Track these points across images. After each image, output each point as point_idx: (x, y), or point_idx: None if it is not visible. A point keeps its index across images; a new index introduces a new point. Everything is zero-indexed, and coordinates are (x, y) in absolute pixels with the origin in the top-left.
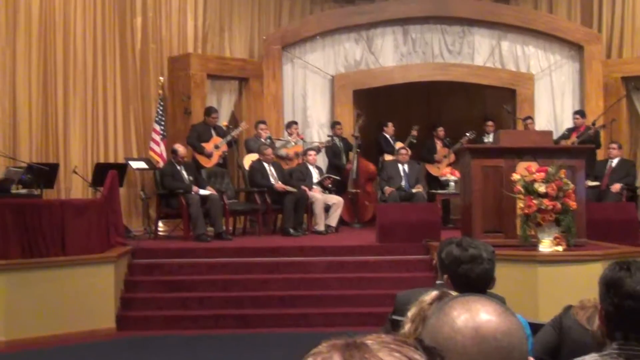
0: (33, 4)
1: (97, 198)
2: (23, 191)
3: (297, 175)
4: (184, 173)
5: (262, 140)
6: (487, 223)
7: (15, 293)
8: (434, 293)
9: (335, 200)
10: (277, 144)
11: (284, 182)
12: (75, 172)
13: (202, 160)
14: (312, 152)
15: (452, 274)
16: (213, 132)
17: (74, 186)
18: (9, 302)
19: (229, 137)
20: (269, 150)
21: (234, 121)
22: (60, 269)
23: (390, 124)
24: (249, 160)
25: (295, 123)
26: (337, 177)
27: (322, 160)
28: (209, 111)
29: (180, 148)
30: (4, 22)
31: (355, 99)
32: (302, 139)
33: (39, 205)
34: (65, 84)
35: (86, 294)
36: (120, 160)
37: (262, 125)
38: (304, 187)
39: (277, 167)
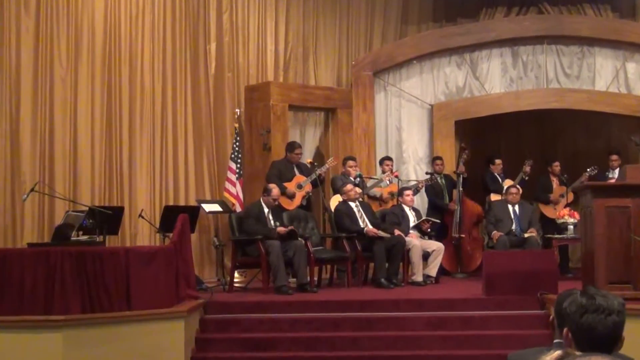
0: (97, 30)
1: (166, 245)
2: (84, 238)
3: (392, 219)
4: (271, 217)
5: (352, 178)
6: (613, 273)
7: (74, 352)
8: (555, 354)
9: (436, 246)
10: (369, 183)
11: (376, 226)
12: (142, 217)
13: (283, 201)
14: (408, 192)
15: (573, 327)
16: (296, 170)
17: (140, 232)
18: None
19: (313, 176)
20: (349, 187)
21: (320, 157)
22: (124, 325)
23: (499, 162)
24: (335, 201)
25: (390, 159)
26: (438, 221)
27: (420, 201)
28: (292, 146)
29: (274, 189)
30: (65, 52)
31: (457, 131)
32: (396, 176)
33: (101, 254)
34: (131, 119)
35: (154, 353)
36: (192, 202)
37: (350, 162)
38: (399, 232)
39: (368, 209)
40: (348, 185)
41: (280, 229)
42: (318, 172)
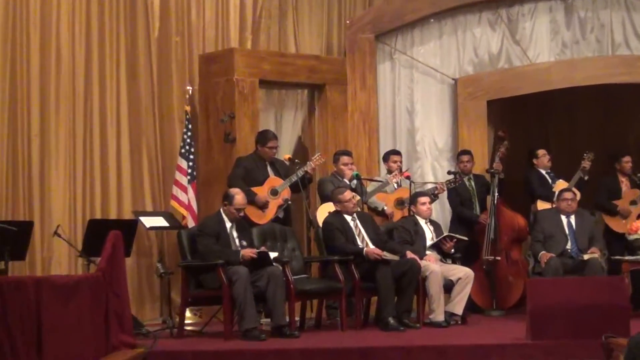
0: None
1: (92, 274)
2: None
3: (402, 235)
4: (235, 235)
5: (346, 181)
6: None
7: None
8: None
9: (462, 273)
10: (370, 187)
11: (380, 246)
12: (58, 235)
13: (252, 213)
14: (424, 199)
15: None
16: (270, 170)
17: (56, 255)
18: None
19: (294, 178)
20: (348, 194)
21: (302, 153)
22: None
23: (543, 153)
24: (324, 212)
25: (398, 153)
26: (465, 238)
27: (439, 210)
28: (264, 137)
29: (238, 195)
30: None
31: (491, 115)
32: (407, 178)
33: (1, 286)
34: (43, 101)
35: None
36: (127, 215)
37: (345, 158)
38: (411, 254)
39: (368, 222)
40: (346, 192)
41: (248, 251)
42: (300, 172)
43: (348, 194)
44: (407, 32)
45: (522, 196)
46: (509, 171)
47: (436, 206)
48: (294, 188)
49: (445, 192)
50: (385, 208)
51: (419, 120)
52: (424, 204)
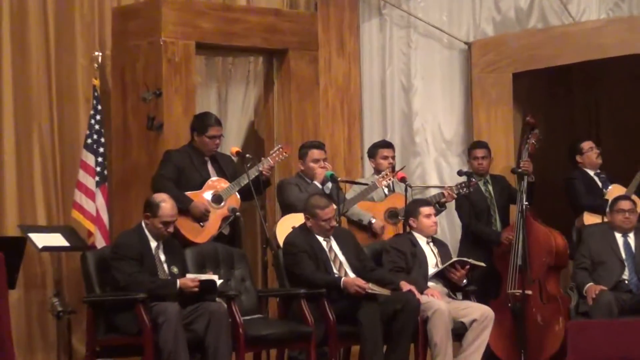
0: None
1: None
2: None
3: (394, 259)
4: (162, 258)
5: (316, 184)
6: None
7: None
8: None
9: (478, 313)
10: (350, 192)
11: (364, 275)
12: None
13: (185, 227)
14: (427, 210)
15: None
16: (211, 169)
17: None
18: None
19: (244, 180)
20: (330, 212)
21: (257, 144)
22: None
23: (590, 146)
24: (286, 227)
25: (389, 146)
26: (481, 264)
27: (447, 225)
28: (203, 123)
29: (165, 203)
30: None
31: (518, 93)
32: (402, 180)
33: None
34: None
35: None
36: (11, 231)
37: (315, 152)
38: (407, 285)
39: (349, 241)
40: (331, 207)
41: (189, 281)
42: (254, 172)
43: (331, 211)
44: None
45: (562, 206)
46: (542, 172)
47: (442, 220)
48: (245, 194)
49: (455, 201)
50: (373, 221)
51: (418, 100)
52: (427, 216)
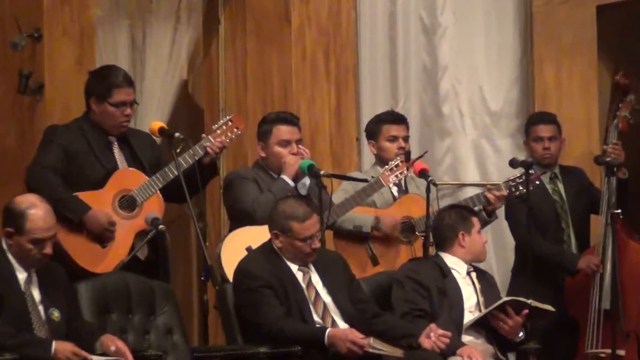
0: None
1: None
2: None
3: (411, 298)
4: (36, 297)
5: (285, 179)
6: None
7: None
8: None
9: None
10: (339, 193)
11: (360, 324)
12: None
13: (78, 249)
14: (476, 222)
15: None
16: (118, 155)
17: None
18: None
19: (172, 171)
20: (313, 222)
21: (191, 117)
22: None
23: None
24: (238, 247)
25: (399, 121)
26: (548, 307)
27: (491, 242)
28: (106, 83)
29: (34, 209)
30: None
31: (605, 38)
32: (423, 173)
33: None
34: None
35: None
36: None
37: (284, 130)
38: (431, 340)
39: (337, 270)
40: (312, 217)
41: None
42: (188, 158)
43: (313, 225)
44: None
45: None
46: (635, 156)
47: (488, 233)
48: (173, 194)
49: (505, 207)
50: (380, 222)
51: (447, 48)
52: (479, 232)
